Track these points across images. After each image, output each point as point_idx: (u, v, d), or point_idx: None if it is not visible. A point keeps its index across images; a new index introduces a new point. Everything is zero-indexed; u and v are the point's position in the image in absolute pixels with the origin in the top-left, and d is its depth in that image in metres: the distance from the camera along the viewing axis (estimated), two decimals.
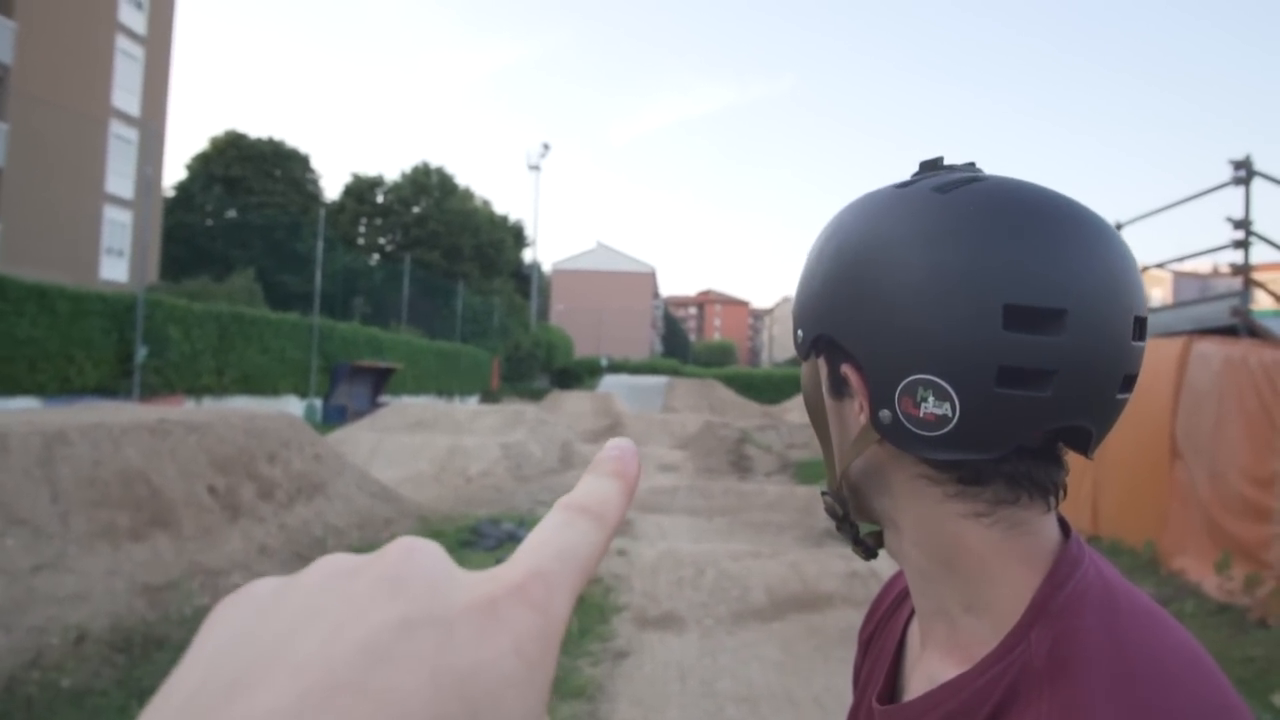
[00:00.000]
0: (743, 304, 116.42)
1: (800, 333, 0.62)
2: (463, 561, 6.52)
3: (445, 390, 31.77)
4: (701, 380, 36.94)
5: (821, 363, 0.61)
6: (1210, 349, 6.12)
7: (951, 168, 0.57)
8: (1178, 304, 9.20)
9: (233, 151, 37.78)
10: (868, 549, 0.64)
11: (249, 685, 0.17)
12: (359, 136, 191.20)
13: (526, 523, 7.65)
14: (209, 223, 36.78)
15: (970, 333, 0.49)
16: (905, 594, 0.69)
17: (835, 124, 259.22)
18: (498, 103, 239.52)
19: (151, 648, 4.26)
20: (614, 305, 64.12)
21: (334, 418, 20.57)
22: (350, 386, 22.55)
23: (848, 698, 0.72)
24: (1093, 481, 7.17)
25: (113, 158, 24.71)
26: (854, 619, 4.87)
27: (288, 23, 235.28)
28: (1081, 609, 0.50)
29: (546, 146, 49.44)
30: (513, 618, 0.20)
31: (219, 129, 45.98)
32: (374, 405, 20.78)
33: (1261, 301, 8.01)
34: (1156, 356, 6.29)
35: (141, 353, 16.67)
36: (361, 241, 44.66)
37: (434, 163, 48.48)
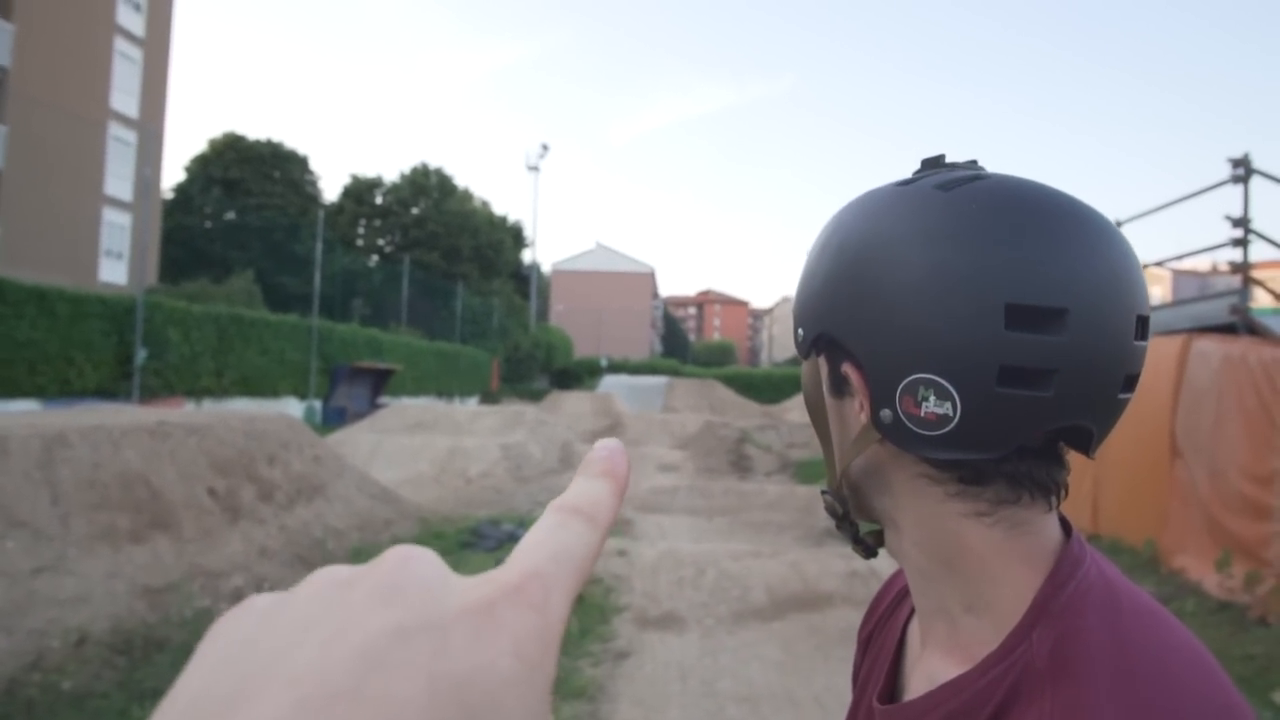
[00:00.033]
0: (742, 304, 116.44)
1: (801, 331, 0.61)
2: (463, 562, 6.53)
3: (445, 391, 31.76)
4: (701, 380, 36.97)
5: (822, 361, 0.61)
6: (1209, 347, 6.12)
7: (953, 165, 0.57)
8: (1177, 302, 9.20)
9: (231, 153, 37.77)
10: (868, 548, 0.64)
11: (246, 697, 0.17)
12: (358, 138, 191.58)
13: (527, 523, 7.64)
14: (208, 224, 36.77)
15: (971, 332, 0.49)
16: (905, 593, 0.68)
17: (834, 124, 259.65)
18: (497, 103, 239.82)
19: (152, 650, 4.26)
20: (613, 305, 64.11)
21: (333, 419, 20.57)
22: (350, 388, 22.54)
23: (848, 697, 0.72)
24: (1093, 480, 7.17)
25: (111, 160, 24.69)
26: (854, 618, 4.86)
27: (286, 24, 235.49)
28: (1084, 609, 0.50)
29: (545, 147, 49.44)
30: (510, 619, 0.20)
31: (217, 131, 45.92)
32: (373, 406, 20.76)
33: (1260, 299, 8.01)
34: (1156, 355, 6.29)
35: (141, 355, 16.67)
36: (360, 243, 44.65)
37: (433, 164, 48.46)
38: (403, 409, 15.55)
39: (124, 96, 25.26)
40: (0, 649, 3.81)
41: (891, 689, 0.64)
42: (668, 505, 10.01)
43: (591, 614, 5.19)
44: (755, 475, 14.47)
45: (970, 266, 0.49)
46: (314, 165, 49.09)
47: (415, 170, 45.58)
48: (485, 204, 50.25)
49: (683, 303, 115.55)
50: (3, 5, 21.19)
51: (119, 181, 24.96)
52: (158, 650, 4.27)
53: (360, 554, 6.55)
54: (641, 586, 5.79)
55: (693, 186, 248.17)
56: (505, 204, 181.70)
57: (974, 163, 0.57)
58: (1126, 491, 6.85)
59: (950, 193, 0.52)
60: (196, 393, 18.62)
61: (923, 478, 0.54)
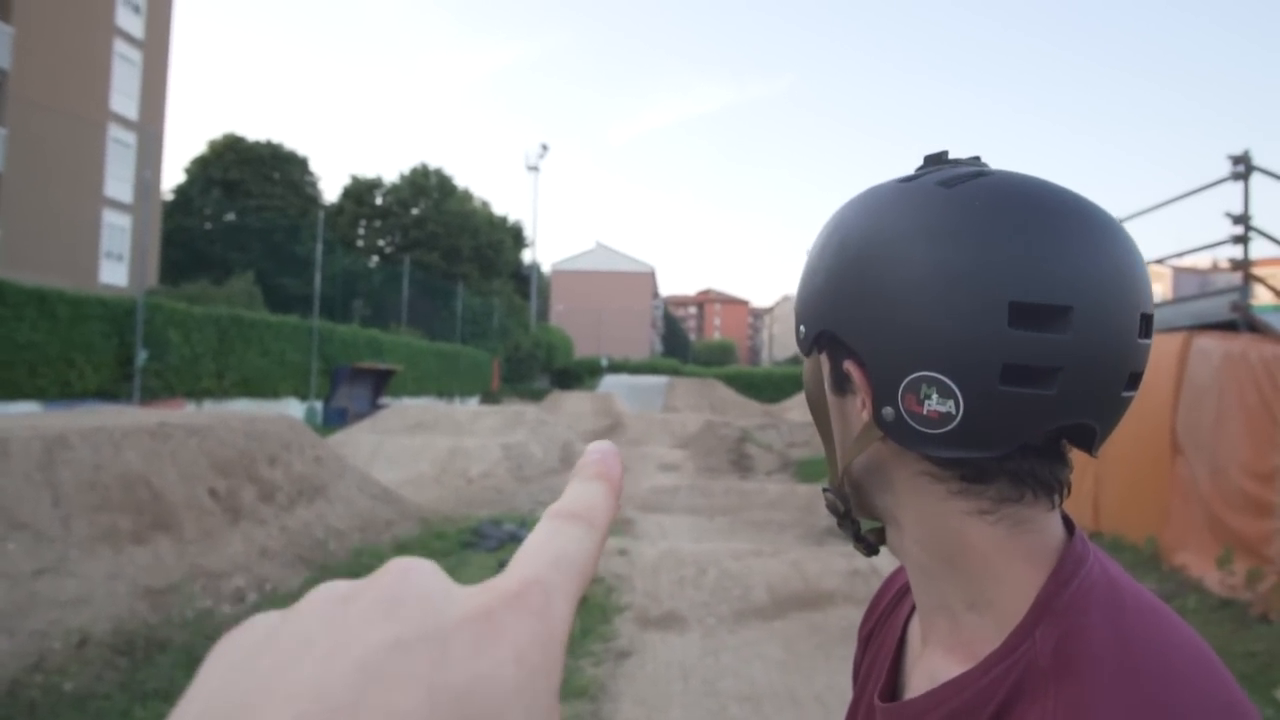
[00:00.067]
0: (742, 303, 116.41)
1: (803, 328, 0.61)
2: (465, 562, 6.53)
3: (445, 391, 31.78)
4: (702, 380, 37.02)
5: (824, 359, 0.60)
6: (1210, 344, 6.12)
7: (956, 162, 0.57)
8: (1177, 299, 9.20)
9: (231, 155, 37.80)
10: (869, 546, 0.64)
11: (246, 717, 0.18)
12: (357, 138, 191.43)
13: (528, 523, 7.65)
14: (208, 226, 36.81)
15: (975, 329, 0.49)
16: (905, 590, 0.68)
17: (834, 123, 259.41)
18: (496, 104, 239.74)
19: (154, 650, 4.26)
20: (614, 305, 64.11)
21: (334, 420, 20.57)
22: (350, 388, 22.54)
23: (850, 696, 0.72)
24: (1094, 478, 7.17)
25: (111, 162, 24.71)
26: (856, 617, 4.85)
27: (285, 25, 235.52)
28: (1087, 606, 0.50)
29: (545, 147, 49.45)
30: (511, 627, 0.20)
31: (217, 132, 45.85)
32: (374, 407, 20.77)
33: (1261, 296, 8.01)
34: (1156, 352, 6.21)
35: (142, 356, 16.68)
36: (361, 243, 44.67)
37: (432, 164, 48.31)
38: (403, 409, 15.57)
39: (123, 98, 25.28)
40: (2, 650, 3.81)
41: (892, 686, 0.64)
42: (669, 505, 10.01)
43: (593, 613, 5.19)
44: (756, 474, 14.47)
45: (973, 264, 0.49)
46: (314, 166, 49.19)
47: (415, 171, 45.59)
48: (485, 204, 50.28)
49: (683, 302, 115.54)
50: (2, 7, 21.20)
51: (119, 183, 24.98)
52: (159, 651, 4.27)
53: (361, 554, 6.55)
54: (643, 586, 5.79)
55: (692, 186, 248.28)
56: (505, 204, 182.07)
57: (977, 159, 0.57)
58: (1128, 489, 6.85)
59: (953, 189, 0.52)
60: (197, 394, 18.64)
61: (925, 475, 0.54)
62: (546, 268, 65.38)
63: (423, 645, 0.19)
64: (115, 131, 24.92)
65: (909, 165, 0.59)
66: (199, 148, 40.59)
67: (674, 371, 45.50)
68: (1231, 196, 6.74)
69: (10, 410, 12.93)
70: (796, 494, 10.12)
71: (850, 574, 5.76)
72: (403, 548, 7.00)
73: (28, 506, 4.64)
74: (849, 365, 0.55)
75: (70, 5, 22.95)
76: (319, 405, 22.13)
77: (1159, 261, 8.74)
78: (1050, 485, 0.53)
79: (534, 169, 48.85)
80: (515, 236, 52.19)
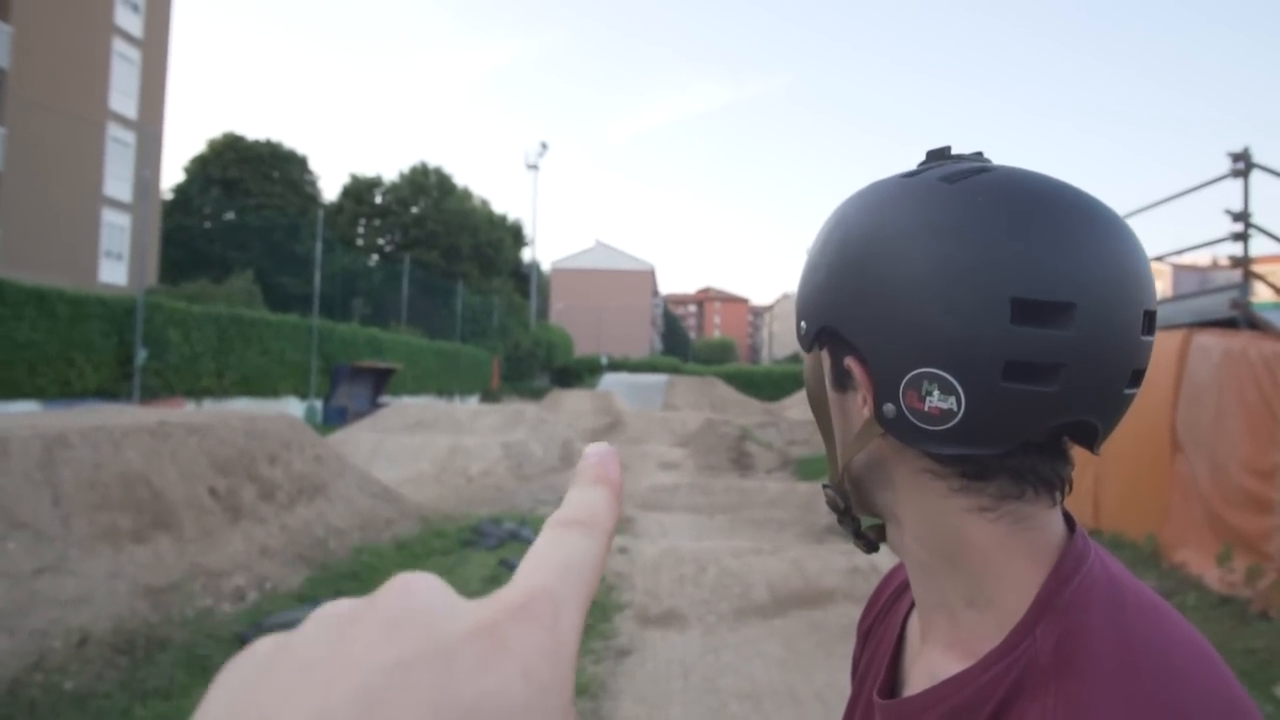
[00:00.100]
0: (742, 301, 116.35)
1: (804, 325, 0.61)
2: (465, 561, 6.54)
3: (445, 390, 31.78)
4: (702, 378, 37.03)
5: (825, 355, 0.60)
6: (1210, 342, 6.12)
7: (959, 157, 0.56)
8: (1177, 297, 9.19)
9: (230, 153, 37.77)
10: (869, 542, 0.64)
11: None
12: (357, 137, 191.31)
13: (528, 521, 7.65)
14: (207, 225, 36.79)
15: (977, 326, 0.48)
16: (904, 586, 0.68)
17: (833, 121, 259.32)
18: (495, 102, 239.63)
19: (154, 649, 4.26)
20: (613, 303, 64.10)
21: (334, 419, 20.58)
22: (350, 387, 22.55)
23: (849, 693, 0.72)
24: (1094, 475, 7.17)
25: (110, 161, 24.70)
26: (856, 615, 4.84)
27: (284, 24, 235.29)
28: (1088, 604, 0.49)
29: (544, 145, 49.43)
30: (518, 640, 0.19)
31: (216, 131, 45.91)
32: (374, 406, 20.78)
33: (1261, 294, 8.01)
34: (1156, 349, 6.16)
35: (141, 355, 16.68)
36: (360, 242, 44.65)
37: (432, 163, 48.45)
38: (403, 408, 15.57)
39: (122, 97, 25.26)
40: (2, 650, 3.81)
41: (891, 683, 0.64)
42: (669, 503, 10.02)
43: (593, 611, 5.19)
44: (756, 472, 14.47)
45: (976, 260, 0.49)
46: (313, 165, 49.12)
47: (414, 169, 45.57)
48: (485, 202, 50.25)
49: (683, 300, 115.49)
50: (1, 7, 21.18)
51: (118, 182, 24.97)
52: (160, 650, 4.27)
53: (361, 553, 6.56)
54: (643, 584, 5.79)
55: (692, 184, 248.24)
56: (504, 202, 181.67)
57: (979, 154, 0.57)
58: (1128, 486, 6.85)
59: (955, 185, 0.52)
60: (197, 393, 18.64)
61: (925, 473, 0.54)
62: (546, 266, 65.43)
63: (426, 664, 0.18)
64: (114, 130, 24.91)
65: (909, 163, 0.58)
66: (198, 147, 40.63)
67: (674, 370, 45.53)
68: (1231, 193, 6.74)
69: (10, 409, 12.93)
70: (796, 492, 10.12)
71: (850, 572, 5.77)
72: (403, 546, 7.01)
73: (28, 505, 4.64)
74: (850, 361, 0.55)
75: (69, 4, 22.93)
76: (319, 404, 22.14)
77: (1159, 259, 8.74)
78: (1051, 482, 0.53)
79: (533, 167, 48.85)
80: (515, 235, 52.17)
